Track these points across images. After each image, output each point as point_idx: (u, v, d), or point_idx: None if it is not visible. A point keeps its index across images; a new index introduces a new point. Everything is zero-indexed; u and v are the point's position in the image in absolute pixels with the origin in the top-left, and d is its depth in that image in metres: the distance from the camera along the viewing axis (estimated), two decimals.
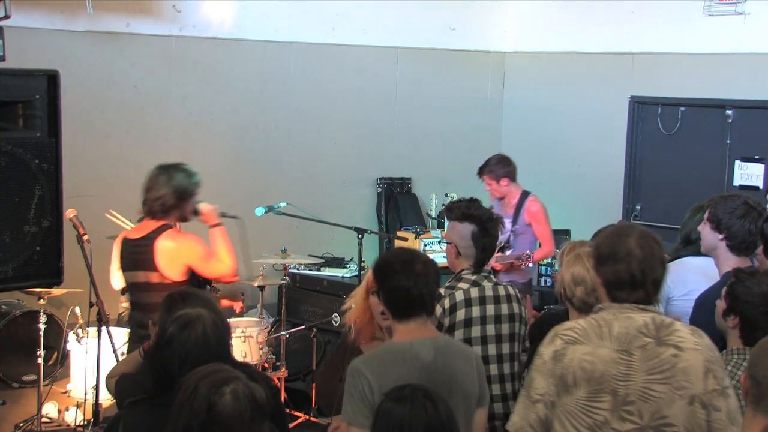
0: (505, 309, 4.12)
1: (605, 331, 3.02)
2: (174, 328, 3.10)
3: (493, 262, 6.91)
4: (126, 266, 4.89)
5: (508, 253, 6.85)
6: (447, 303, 4.03)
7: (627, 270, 3.05)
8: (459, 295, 4.06)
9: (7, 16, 3.58)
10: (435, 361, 3.32)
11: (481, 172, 7.07)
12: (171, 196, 4.86)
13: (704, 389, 2.96)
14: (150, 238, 4.76)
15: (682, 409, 2.94)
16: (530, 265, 6.71)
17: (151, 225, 4.84)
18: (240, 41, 8.57)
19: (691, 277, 4.42)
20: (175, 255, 4.76)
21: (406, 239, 8.41)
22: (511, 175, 7.01)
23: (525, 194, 6.99)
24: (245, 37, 8.60)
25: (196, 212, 5.06)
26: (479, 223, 4.14)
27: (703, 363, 2.99)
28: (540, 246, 7.04)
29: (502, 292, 4.14)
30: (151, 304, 4.55)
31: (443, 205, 9.19)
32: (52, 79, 3.25)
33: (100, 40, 7.82)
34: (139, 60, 8.08)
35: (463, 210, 4.18)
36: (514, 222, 6.96)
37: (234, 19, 8.53)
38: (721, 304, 3.63)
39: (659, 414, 2.95)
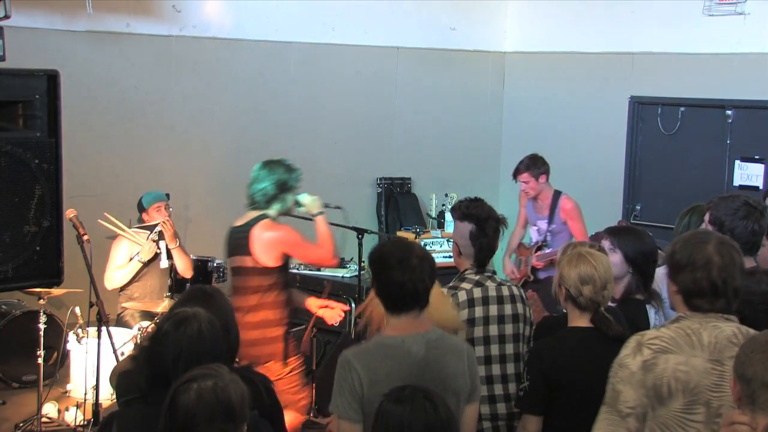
0: (508, 309, 4.11)
1: (695, 341, 2.94)
2: (169, 325, 3.10)
3: (534, 261, 6.99)
4: (228, 252, 5.27)
5: (547, 251, 6.91)
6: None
7: (707, 278, 2.98)
8: (462, 296, 4.06)
9: (7, 16, 3.58)
10: (426, 356, 3.30)
11: (518, 172, 7.10)
12: (272, 188, 5.28)
13: None
14: (249, 226, 5.17)
15: None
16: None
17: (252, 214, 5.25)
18: (240, 41, 8.57)
19: None
20: (269, 243, 5.10)
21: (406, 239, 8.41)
22: (548, 173, 7.10)
23: (558, 193, 7.09)
24: (245, 37, 8.60)
25: (298, 203, 5.43)
26: (477, 222, 4.14)
27: None
28: None
29: (505, 292, 4.13)
30: (244, 288, 5.09)
31: (443, 205, 9.21)
32: (52, 79, 3.25)
33: (100, 40, 7.82)
34: (139, 60, 8.08)
35: (463, 209, 4.19)
36: (550, 221, 7.05)
37: (234, 19, 8.53)
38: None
39: None
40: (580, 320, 3.71)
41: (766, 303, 3.46)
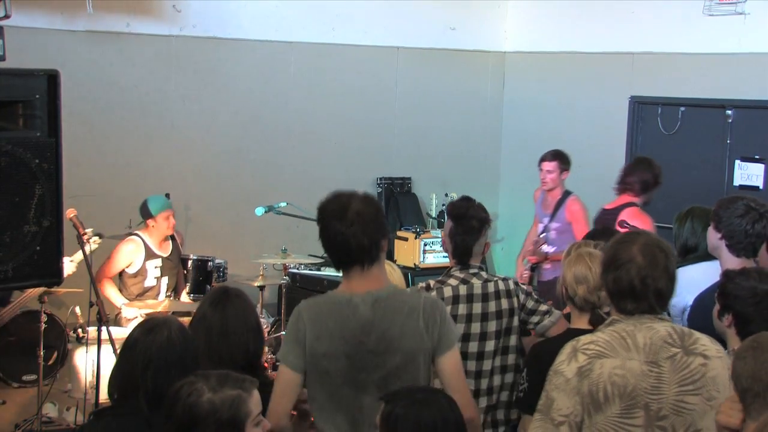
0: (492, 306, 4.12)
1: (630, 343, 2.88)
2: (138, 332, 3.09)
3: (530, 255, 7.02)
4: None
5: (545, 248, 6.93)
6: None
7: (627, 278, 2.92)
8: (447, 291, 4.09)
9: (7, 16, 3.58)
10: (372, 316, 3.21)
11: (545, 158, 7.14)
12: (652, 179, 6.21)
13: None
14: (618, 209, 6.05)
15: (714, 420, 2.77)
16: None
17: (623, 200, 6.17)
18: (240, 41, 8.57)
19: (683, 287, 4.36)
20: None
21: (406, 239, 8.42)
22: (568, 173, 7.18)
23: (567, 193, 7.14)
24: (245, 37, 8.60)
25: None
26: (454, 219, 4.18)
27: (727, 371, 2.84)
28: None
29: (491, 288, 4.14)
30: None
31: (443, 204, 9.20)
32: (52, 79, 3.24)
33: (100, 40, 7.82)
34: (139, 60, 8.08)
35: (448, 207, 4.22)
36: (552, 218, 7.09)
37: (234, 19, 8.53)
38: (716, 307, 3.61)
39: (694, 427, 2.86)
40: (579, 321, 3.72)
41: (755, 297, 3.43)
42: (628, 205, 6.25)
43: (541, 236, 7.07)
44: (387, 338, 3.20)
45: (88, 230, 5.58)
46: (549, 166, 7.09)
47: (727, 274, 3.54)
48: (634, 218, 6.04)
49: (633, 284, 2.91)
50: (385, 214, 3.37)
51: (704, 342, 2.96)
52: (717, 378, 2.89)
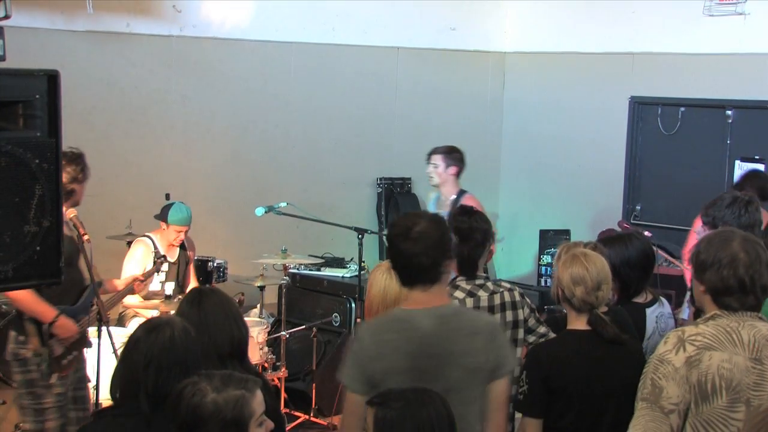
0: (498, 319, 4.12)
1: (736, 339, 2.93)
2: (140, 331, 3.09)
3: None
4: None
5: None
6: None
7: (734, 275, 2.96)
8: (453, 304, 4.07)
9: (7, 16, 3.57)
10: (435, 331, 3.25)
11: (433, 152, 6.97)
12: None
13: None
14: None
15: None
16: None
17: None
18: (240, 41, 8.57)
19: None
20: None
21: None
22: (460, 170, 6.96)
23: (462, 192, 6.94)
24: (245, 37, 8.60)
25: None
26: (457, 234, 4.16)
27: None
28: None
29: (497, 301, 4.14)
30: None
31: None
32: (52, 79, 3.24)
33: (100, 40, 7.82)
34: (139, 60, 8.08)
35: (449, 220, 4.21)
36: None
37: (234, 19, 8.53)
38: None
39: None
40: (577, 322, 3.71)
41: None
42: None
43: None
44: (448, 353, 3.25)
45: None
46: (434, 159, 6.95)
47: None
48: None
49: (742, 280, 2.96)
50: (451, 237, 3.43)
51: None
52: None
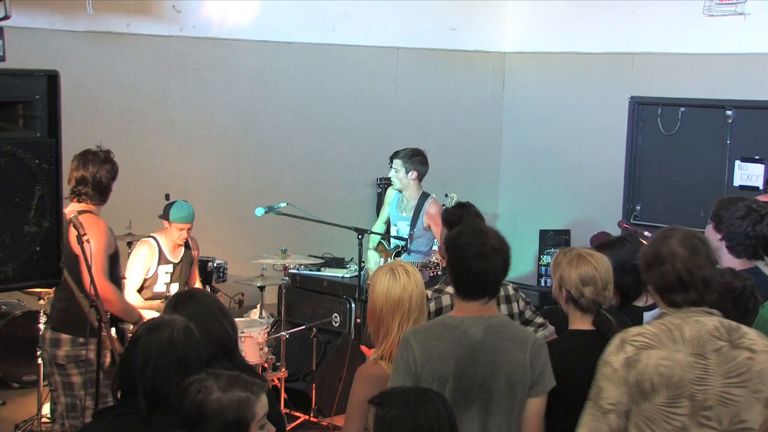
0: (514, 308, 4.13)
1: (677, 335, 2.96)
2: (142, 330, 3.10)
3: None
4: None
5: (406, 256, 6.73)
6: (433, 306, 4.06)
7: (673, 271, 2.99)
8: (446, 300, 4.10)
9: (7, 17, 3.58)
10: (483, 340, 3.30)
11: (394, 155, 6.91)
12: None
13: None
14: None
15: (760, 412, 2.92)
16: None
17: None
18: (240, 41, 8.57)
19: None
20: None
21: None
22: (421, 175, 6.90)
23: (425, 196, 6.91)
24: (245, 37, 8.60)
25: None
26: (449, 227, 4.21)
27: None
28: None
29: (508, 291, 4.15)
30: None
31: (443, 205, 9.20)
32: (52, 79, 3.24)
33: (100, 40, 7.82)
34: (139, 60, 8.08)
35: (443, 216, 4.23)
36: (413, 225, 6.86)
37: (234, 19, 8.53)
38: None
39: (738, 418, 2.92)
40: (581, 323, 3.71)
41: (730, 293, 3.51)
42: None
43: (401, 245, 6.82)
44: (495, 362, 3.29)
45: None
46: (396, 164, 6.88)
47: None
48: None
49: (680, 275, 2.98)
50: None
51: (752, 336, 3.02)
52: (763, 372, 2.95)
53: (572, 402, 3.58)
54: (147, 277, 6.54)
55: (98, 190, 5.15)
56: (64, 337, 5.11)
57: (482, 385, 3.28)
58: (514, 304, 4.20)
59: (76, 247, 4.70)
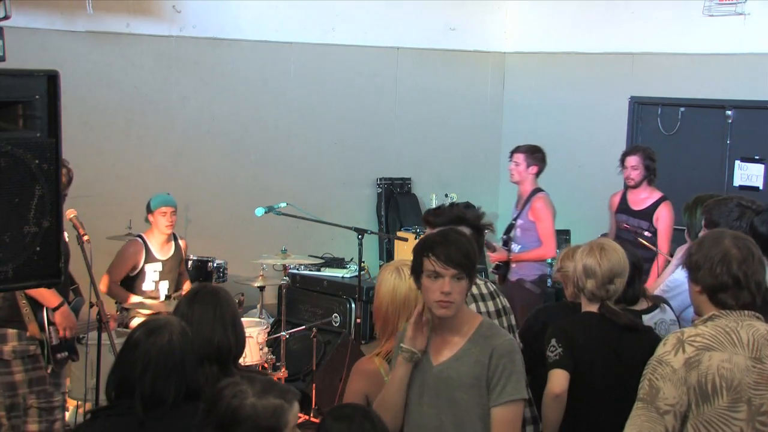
0: (491, 306, 4.12)
1: (735, 339, 2.95)
2: (140, 333, 3.08)
3: (491, 254, 6.95)
4: None
5: (513, 246, 6.87)
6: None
7: (727, 271, 2.98)
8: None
9: (7, 17, 3.57)
10: None
11: (516, 150, 7.05)
12: None
13: None
14: None
15: None
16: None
17: None
18: (240, 41, 8.57)
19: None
20: None
21: (406, 239, 8.41)
22: (540, 170, 7.04)
23: (536, 191, 7.00)
24: (245, 37, 8.60)
25: None
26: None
27: None
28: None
29: (487, 289, 4.15)
30: None
31: (443, 205, 9.20)
32: (52, 79, 3.23)
33: (100, 40, 7.82)
34: (139, 60, 8.08)
35: (428, 216, 4.22)
36: (518, 216, 6.97)
37: (234, 19, 8.53)
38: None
39: None
40: (590, 307, 3.79)
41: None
42: None
43: (504, 236, 6.98)
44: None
45: None
46: (516, 158, 6.99)
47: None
48: None
49: (736, 276, 2.98)
50: None
51: None
52: None
53: (584, 378, 3.68)
54: (132, 274, 6.55)
55: None
56: (10, 332, 4.94)
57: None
58: (498, 300, 4.20)
59: None
